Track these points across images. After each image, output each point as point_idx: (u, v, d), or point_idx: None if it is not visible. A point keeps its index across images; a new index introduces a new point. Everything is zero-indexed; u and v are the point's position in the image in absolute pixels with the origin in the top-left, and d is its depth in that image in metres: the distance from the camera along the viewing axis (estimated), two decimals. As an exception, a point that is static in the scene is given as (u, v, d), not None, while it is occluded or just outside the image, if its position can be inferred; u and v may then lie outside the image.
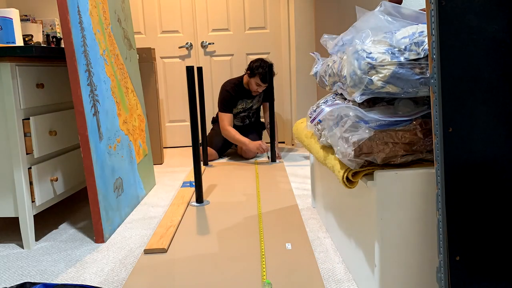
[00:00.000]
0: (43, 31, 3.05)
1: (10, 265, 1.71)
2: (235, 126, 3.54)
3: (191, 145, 2.95)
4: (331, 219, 1.81)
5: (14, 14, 1.92)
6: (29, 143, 1.81)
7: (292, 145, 4.07)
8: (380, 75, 1.19)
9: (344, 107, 1.28)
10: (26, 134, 1.81)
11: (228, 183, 2.73)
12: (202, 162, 3.32)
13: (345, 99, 1.47)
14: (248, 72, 3.37)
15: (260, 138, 3.66)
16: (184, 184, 2.73)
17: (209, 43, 4.09)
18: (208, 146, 3.49)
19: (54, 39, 3.04)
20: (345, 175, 1.27)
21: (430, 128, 1.21)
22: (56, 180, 1.96)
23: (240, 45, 4.12)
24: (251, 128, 3.66)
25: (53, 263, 1.71)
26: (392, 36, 1.24)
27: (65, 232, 2.06)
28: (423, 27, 1.20)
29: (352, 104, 1.32)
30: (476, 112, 0.95)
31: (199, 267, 1.60)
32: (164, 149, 4.12)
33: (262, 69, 3.28)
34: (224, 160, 3.49)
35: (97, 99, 2.00)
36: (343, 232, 1.61)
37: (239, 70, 4.15)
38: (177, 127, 4.23)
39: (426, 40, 1.15)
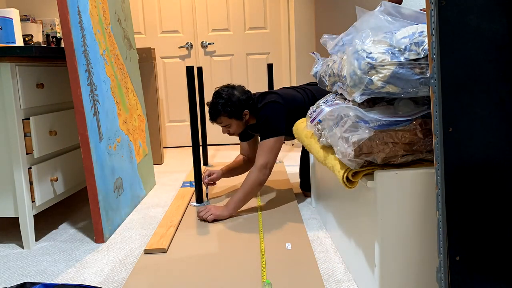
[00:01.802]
0: (43, 31, 3.05)
1: (10, 265, 1.71)
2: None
3: (191, 145, 2.95)
4: (331, 219, 1.81)
5: (14, 14, 1.92)
6: (29, 143, 1.81)
7: (292, 145, 4.07)
8: (380, 75, 1.19)
9: (344, 107, 1.28)
10: (26, 134, 1.81)
11: (228, 183, 2.73)
12: (202, 162, 3.32)
13: (345, 99, 1.47)
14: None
15: None
16: (184, 184, 2.73)
17: (209, 43, 4.09)
18: None
19: (54, 39, 3.04)
20: (345, 175, 1.27)
21: (430, 128, 1.21)
22: (56, 180, 1.96)
23: (240, 45, 4.12)
24: None
25: (53, 263, 1.71)
26: (392, 36, 1.24)
27: (65, 232, 2.06)
28: (423, 27, 1.20)
29: (352, 104, 1.32)
30: (476, 112, 0.95)
31: (199, 267, 1.60)
32: (164, 149, 4.12)
33: None
34: (224, 161, 3.49)
35: (97, 99, 2.00)
36: (343, 232, 1.61)
37: (239, 70, 4.15)
38: (177, 127, 4.23)
39: (426, 40, 1.15)
